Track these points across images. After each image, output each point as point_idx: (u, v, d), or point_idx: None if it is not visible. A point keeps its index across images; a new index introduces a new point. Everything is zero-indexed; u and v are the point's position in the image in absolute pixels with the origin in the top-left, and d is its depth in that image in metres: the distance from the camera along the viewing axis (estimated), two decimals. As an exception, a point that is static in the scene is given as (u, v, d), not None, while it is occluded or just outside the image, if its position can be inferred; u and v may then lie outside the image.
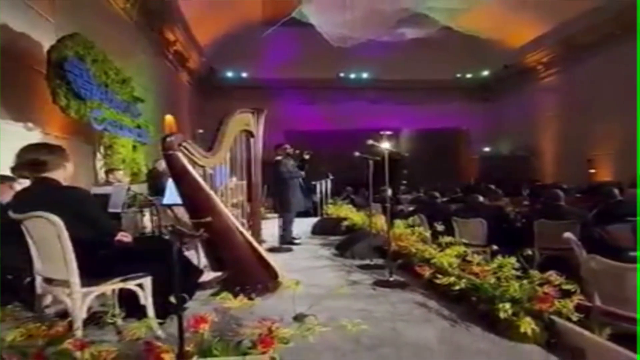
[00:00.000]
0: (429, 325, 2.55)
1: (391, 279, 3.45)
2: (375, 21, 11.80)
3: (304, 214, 9.26)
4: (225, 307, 2.38)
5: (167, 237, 3.59)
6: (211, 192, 3.31)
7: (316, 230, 6.40)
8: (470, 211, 5.28)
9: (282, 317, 2.28)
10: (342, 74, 19.33)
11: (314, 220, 7.43)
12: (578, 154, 14.04)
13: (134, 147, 8.09)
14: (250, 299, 2.98)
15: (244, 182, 4.01)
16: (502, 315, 2.28)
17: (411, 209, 6.51)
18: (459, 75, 19.53)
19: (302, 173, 5.85)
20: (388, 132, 14.38)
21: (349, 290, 3.28)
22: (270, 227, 5.70)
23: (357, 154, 4.47)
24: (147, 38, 11.73)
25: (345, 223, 5.95)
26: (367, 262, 4.15)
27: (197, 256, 3.63)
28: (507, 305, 2.32)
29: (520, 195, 8.10)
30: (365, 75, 19.46)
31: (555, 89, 16.02)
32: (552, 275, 2.42)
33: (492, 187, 8.00)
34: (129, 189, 4.50)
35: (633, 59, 12.14)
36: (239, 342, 1.95)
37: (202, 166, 3.31)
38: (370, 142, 4.02)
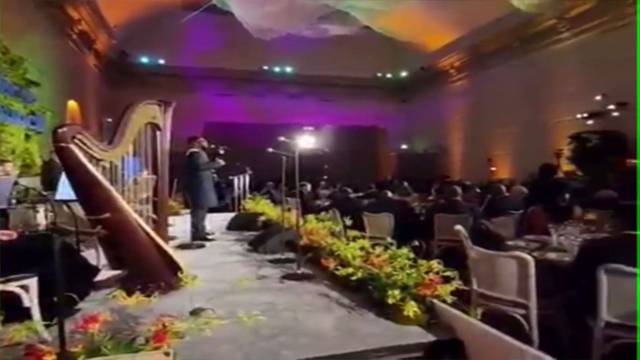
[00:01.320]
0: (329, 314, 2.73)
1: (299, 271, 3.61)
2: (297, 15, 11.93)
3: (223, 209, 9.17)
4: (122, 305, 2.36)
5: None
6: (110, 187, 3.19)
7: (232, 226, 6.38)
8: (380, 206, 5.64)
9: (181, 312, 2.31)
10: (265, 67, 19.23)
11: (231, 215, 7.39)
12: (481, 153, 15.49)
13: (27, 136, 7.39)
14: (150, 296, 2.96)
15: (154, 176, 3.92)
16: (390, 301, 2.53)
17: (327, 204, 6.75)
18: (379, 74, 20.42)
19: (221, 162, 5.76)
20: (309, 128, 14.70)
21: (257, 284, 3.39)
22: (182, 223, 5.59)
23: (270, 150, 4.56)
24: (46, 15, 10.69)
25: (262, 218, 6.02)
26: (278, 256, 4.28)
27: (97, 255, 3.48)
28: (397, 292, 2.58)
29: (430, 190, 8.76)
30: (288, 69, 19.56)
31: (464, 92, 17.46)
32: (434, 263, 2.70)
33: (403, 183, 8.60)
34: (16, 183, 4.13)
35: (528, 69, 13.69)
36: (133, 340, 1.96)
37: (100, 160, 3.16)
38: (282, 138, 4.13)
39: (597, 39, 11.67)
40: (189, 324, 2.00)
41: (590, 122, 11.33)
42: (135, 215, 3.34)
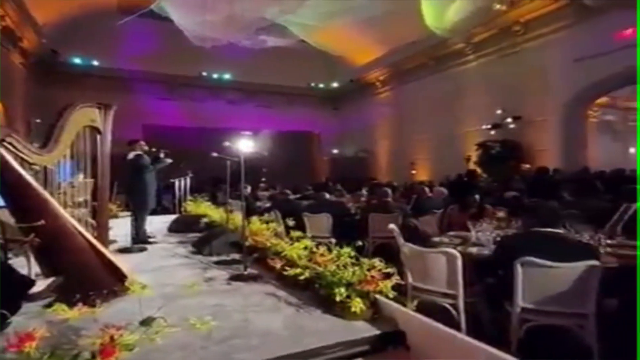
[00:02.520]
0: (278, 313, 2.63)
1: (246, 272, 3.45)
2: (236, 26, 11.58)
3: (164, 211, 8.61)
4: (62, 318, 2.07)
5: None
6: (45, 193, 2.81)
7: (173, 228, 5.98)
8: (319, 207, 5.63)
9: (130, 322, 2.09)
10: (204, 73, 18.50)
11: (172, 217, 6.95)
12: (404, 157, 16.21)
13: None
14: (95, 306, 2.66)
15: (93, 180, 3.56)
16: (337, 298, 2.49)
17: (268, 205, 6.60)
18: (313, 84, 20.56)
19: (169, 160, 5.43)
20: (248, 132, 14.38)
21: (205, 287, 3.18)
22: (122, 226, 5.13)
23: (214, 154, 4.34)
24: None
25: (205, 220, 5.72)
26: (224, 257, 4.07)
27: (28, 264, 3.06)
28: (342, 289, 2.54)
29: (361, 191, 8.94)
30: (227, 76, 18.99)
31: (388, 103, 18.15)
32: (376, 261, 2.72)
33: (337, 185, 8.69)
34: None
35: (442, 84, 14.57)
36: (76, 356, 1.72)
37: (32, 164, 2.78)
38: (227, 143, 3.95)
39: (496, 62, 12.74)
40: (140, 334, 1.80)
41: (492, 132, 12.32)
42: (73, 221, 2.99)
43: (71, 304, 2.13)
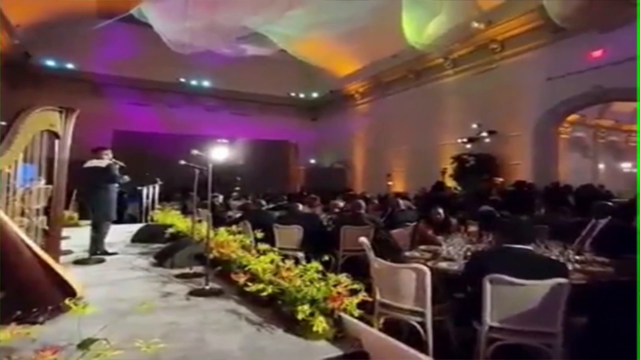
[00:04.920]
0: (237, 332, 2.48)
1: (207, 287, 3.28)
2: (216, 34, 11.47)
3: (129, 220, 8.29)
4: (-7, 339, 1.87)
5: None
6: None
7: (137, 238, 5.71)
8: (290, 218, 5.49)
9: (72, 342, 1.90)
10: (182, 79, 18.23)
11: (137, 227, 6.67)
12: (381, 168, 16.28)
13: None
14: (35, 324, 2.45)
15: (50, 187, 3.35)
16: (300, 316, 2.36)
17: (238, 215, 6.42)
18: (292, 94, 20.56)
19: (127, 178, 5.23)
20: (224, 140, 14.16)
21: (161, 303, 3.00)
22: (81, 236, 4.87)
23: (182, 162, 4.17)
24: None
25: (170, 230, 5.48)
26: (186, 270, 3.88)
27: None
28: (306, 307, 2.41)
29: (335, 202, 8.83)
30: (206, 83, 18.78)
31: (367, 115, 18.28)
32: (343, 277, 2.61)
33: (313, 195, 8.58)
34: None
35: (420, 98, 14.78)
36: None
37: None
38: (195, 152, 3.79)
39: (473, 78, 13.03)
40: (77, 358, 1.63)
41: (468, 146, 12.53)
42: (19, 231, 2.77)
43: (7, 322, 1.93)
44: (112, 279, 3.69)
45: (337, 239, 5.20)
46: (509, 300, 2.41)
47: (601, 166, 14.70)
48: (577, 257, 3.31)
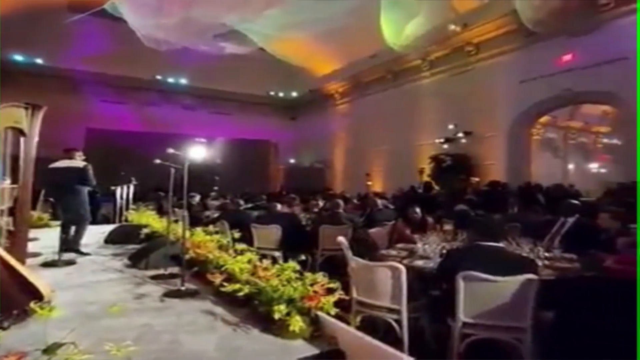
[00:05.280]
0: (212, 333, 2.45)
1: (183, 288, 3.22)
2: (192, 30, 11.26)
3: (103, 221, 8.05)
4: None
5: None
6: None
7: (110, 239, 5.56)
8: (268, 218, 5.46)
9: (39, 347, 1.84)
10: (159, 77, 17.87)
11: (111, 227, 6.49)
12: (360, 168, 16.40)
13: None
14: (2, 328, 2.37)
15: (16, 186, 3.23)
16: (276, 316, 2.35)
17: (216, 215, 6.35)
18: (272, 93, 20.47)
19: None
20: (202, 139, 13.95)
21: (134, 305, 2.93)
22: (50, 237, 4.71)
23: (157, 161, 4.08)
24: None
25: (145, 231, 5.36)
26: (161, 272, 3.80)
27: None
28: (282, 307, 2.41)
29: (315, 201, 8.85)
30: (183, 81, 18.47)
31: (346, 114, 18.39)
32: (319, 276, 2.61)
33: (292, 195, 8.56)
34: None
35: (399, 98, 14.96)
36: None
37: None
38: (171, 150, 3.72)
39: (450, 79, 13.29)
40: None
41: (445, 146, 12.77)
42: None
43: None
44: (82, 281, 3.59)
45: (315, 239, 5.20)
46: (481, 296, 2.47)
47: (571, 166, 15.24)
48: (547, 254, 3.42)
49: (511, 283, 2.41)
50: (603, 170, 15.01)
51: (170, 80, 18.21)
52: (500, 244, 2.87)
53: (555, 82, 10.36)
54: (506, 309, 2.42)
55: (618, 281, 2.66)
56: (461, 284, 2.48)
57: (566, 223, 4.10)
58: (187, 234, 3.83)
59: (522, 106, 11.40)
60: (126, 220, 6.96)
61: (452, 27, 12.26)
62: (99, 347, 1.87)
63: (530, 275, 2.43)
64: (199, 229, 4.45)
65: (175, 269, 3.78)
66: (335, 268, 3.74)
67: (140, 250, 4.37)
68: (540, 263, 3.10)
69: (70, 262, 4.25)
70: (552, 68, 10.47)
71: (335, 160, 18.84)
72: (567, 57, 10.33)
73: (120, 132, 14.99)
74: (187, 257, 3.58)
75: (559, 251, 3.63)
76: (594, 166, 15.83)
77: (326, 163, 19.06)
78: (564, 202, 4.42)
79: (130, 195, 7.83)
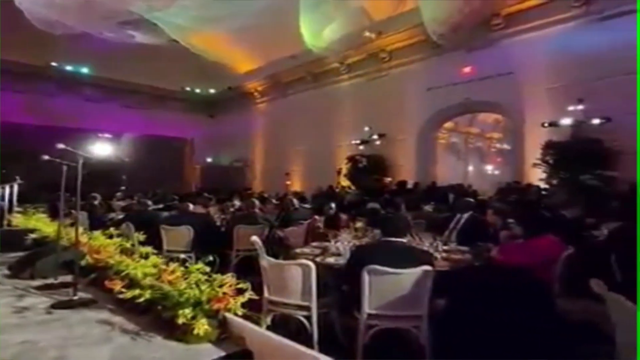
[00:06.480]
0: (107, 344, 2.25)
1: (75, 297, 2.92)
2: (93, 15, 10.27)
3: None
4: None
5: None
6: None
7: (-13, 247, 4.82)
8: (179, 218, 5.22)
9: None
10: (54, 63, 16.00)
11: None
12: (280, 168, 16.42)
13: None
14: None
15: None
16: (181, 320, 2.25)
17: (121, 217, 5.89)
18: (188, 88, 19.55)
19: None
20: (107, 135, 12.83)
21: (13, 320, 2.58)
22: None
23: (45, 157, 3.64)
24: None
25: (33, 236, 4.74)
26: (50, 281, 3.39)
27: None
28: (187, 311, 2.31)
29: (232, 202, 8.65)
30: (85, 70, 16.77)
31: (266, 113, 18.27)
32: (228, 277, 2.56)
33: (207, 195, 8.27)
34: None
35: (319, 99, 15.26)
36: None
37: None
38: (61, 146, 3.34)
39: (367, 84, 13.93)
40: None
41: (361, 147, 13.34)
42: None
43: None
44: (-52, 297, 3.06)
45: (230, 239, 5.09)
46: (384, 288, 2.63)
47: (470, 168, 16.91)
48: (445, 247, 3.76)
49: (410, 275, 2.60)
50: (497, 172, 16.93)
51: (69, 68, 16.41)
52: (404, 240, 3.08)
53: (457, 92, 11.43)
54: (406, 299, 2.61)
55: (501, 269, 3.03)
56: (366, 278, 2.61)
57: (462, 219, 4.55)
58: (85, 237, 3.48)
59: (430, 112, 12.37)
60: (9, 225, 6.10)
61: (368, 33, 12.85)
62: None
63: (427, 267, 2.65)
64: (97, 232, 4.07)
65: (68, 277, 3.41)
66: (251, 268, 3.70)
67: (24, 258, 3.84)
68: (438, 256, 3.40)
69: None
70: (454, 78, 11.52)
71: (255, 160, 18.62)
72: (467, 70, 11.45)
73: (8, 124, 13.14)
74: (83, 263, 3.25)
75: (454, 244, 4.02)
76: (489, 168, 17.77)
77: (246, 162, 18.74)
78: (460, 200, 4.90)
79: (14, 196, 6.87)
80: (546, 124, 9.09)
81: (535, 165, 8.92)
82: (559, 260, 2.98)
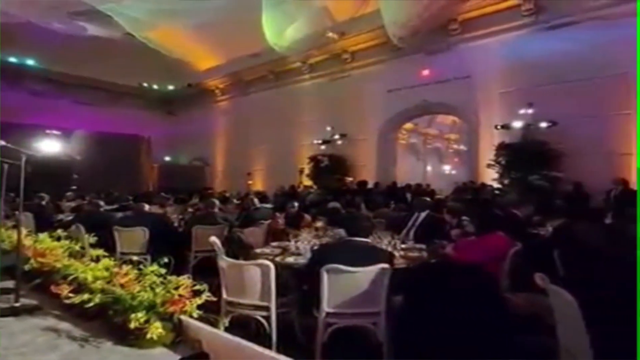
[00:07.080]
0: (53, 352, 2.13)
1: (17, 304, 2.74)
2: (39, 2, 9.65)
3: None
4: None
5: None
6: None
7: None
8: (134, 219, 5.02)
9: None
10: (-6, 55, 14.89)
11: None
12: (242, 167, 16.20)
13: None
14: None
15: None
16: (133, 325, 2.17)
17: (70, 218, 5.59)
18: (145, 84, 18.84)
19: None
20: (55, 131, 12.12)
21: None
22: None
23: (-18, 155, 3.38)
24: None
25: (-30, 240, 4.40)
26: (-12, 288, 3.17)
27: None
28: (140, 314, 2.23)
29: (191, 201, 8.44)
30: (31, 62, 15.74)
31: (228, 111, 17.96)
32: (184, 278, 2.50)
33: (164, 194, 8.01)
34: None
35: (281, 99, 15.19)
36: None
37: None
38: (1, 142, 3.12)
39: (328, 84, 14.02)
40: None
41: (323, 147, 13.42)
42: None
43: None
44: None
45: (189, 240, 4.97)
46: (343, 287, 2.67)
47: (429, 168, 17.47)
48: (402, 245, 3.87)
49: (368, 273, 2.66)
50: (454, 172, 17.60)
51: (12, 59, 15.33)
52: (365, 239, 3.14)
53: (416, 93, 11.77)
54: (364, 297, 2.66)
55: (454, 265, 3.15)
56: (325, 277, 2.64)
57: (419, 217, 4.69)
58: (30, 240, 3.27)
59: (390, 113, 12.65)
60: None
61: (330, 34, 12.95)
62: None
63: (384, 265, 2.71)
64: (43, 235, 3.84)
65: (10, 283, 3.19)
66: (210, 270, 3.63)
67: (-40, 263, 3.57)
68: (397, 254, 3.49)
69: None
70: (413, 80, 11.85)
71: (216, 159, 18.24)
72: (425, 72, 11.82)
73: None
74: (26, 267, 3.05)
75: (412, 242, 4.15)
76: (447, 168, 18.44)
77: (206, 161, 18.31)
78: (417, 199, 5.05)
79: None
80: (499, 126, 9.57)
81: (489, 165, 9.38)
82: (508, 256, 3.15)
